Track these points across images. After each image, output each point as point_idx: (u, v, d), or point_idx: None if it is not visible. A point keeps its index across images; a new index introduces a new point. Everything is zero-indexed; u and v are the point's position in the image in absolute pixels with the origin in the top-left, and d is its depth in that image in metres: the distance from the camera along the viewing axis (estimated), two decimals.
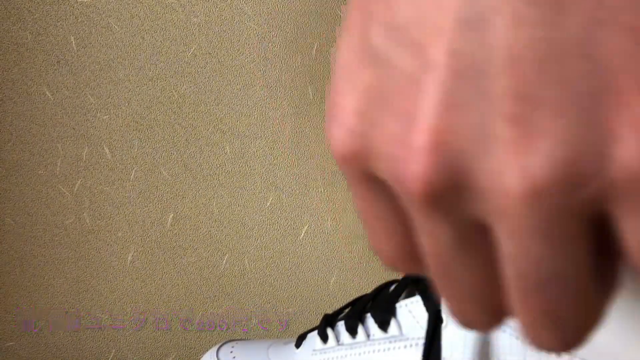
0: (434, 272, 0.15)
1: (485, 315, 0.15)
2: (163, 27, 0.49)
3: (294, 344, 0.37)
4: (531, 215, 0.11)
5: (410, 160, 0.12)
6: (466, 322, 0.15)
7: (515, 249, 0.12)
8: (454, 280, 0.14)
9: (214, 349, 0.39)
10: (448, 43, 0.12)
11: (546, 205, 0.11)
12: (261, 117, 0.52)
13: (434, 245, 0.14)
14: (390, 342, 0.30)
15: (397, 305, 0.31)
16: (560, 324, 0.13)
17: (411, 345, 0.30)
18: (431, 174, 0.12)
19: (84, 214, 0.52)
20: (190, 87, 0.51)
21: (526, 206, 0.11)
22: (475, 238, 0.14)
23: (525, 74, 0.11)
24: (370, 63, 0.13)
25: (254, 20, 0.50)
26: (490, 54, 0.11)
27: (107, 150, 0.51)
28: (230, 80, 0.51)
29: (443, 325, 0.28)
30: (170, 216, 0.53)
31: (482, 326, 0.15)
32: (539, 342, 0.14)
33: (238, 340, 0.40)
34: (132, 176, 0.52)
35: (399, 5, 0.12)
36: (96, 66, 0.50)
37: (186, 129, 0.51)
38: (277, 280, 0.55)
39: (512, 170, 0.11)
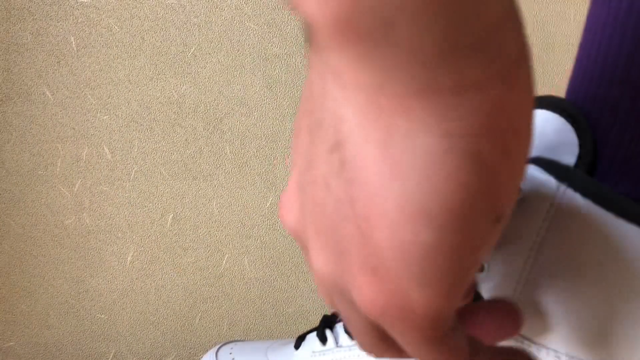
0: None
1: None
2: (163, 27, 0.49)
3: (292, 345, 0.37)
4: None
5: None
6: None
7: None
8: None
9: (213, 350, 0.39)
10: None
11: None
12: (261, 117, 0.52)
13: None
14: None
15: None
16: None
17: None
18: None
19: (84, 214, 0.52)
20: (190, 87, 0.50)
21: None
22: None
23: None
24: None
25: (254, 20, 0.50)
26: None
27: (107, 150, 0.51)
28: (230, 80, 0.51)
29: None
30: (170, 216, 0.53)
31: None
32: None
33: (237, 341, 0.40)
34: (132, 176, 0.52)
35: None
36: (96, 66, 0.49)
37: (186, 129, 0.51)
38: (277, 280, 0.55)
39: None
